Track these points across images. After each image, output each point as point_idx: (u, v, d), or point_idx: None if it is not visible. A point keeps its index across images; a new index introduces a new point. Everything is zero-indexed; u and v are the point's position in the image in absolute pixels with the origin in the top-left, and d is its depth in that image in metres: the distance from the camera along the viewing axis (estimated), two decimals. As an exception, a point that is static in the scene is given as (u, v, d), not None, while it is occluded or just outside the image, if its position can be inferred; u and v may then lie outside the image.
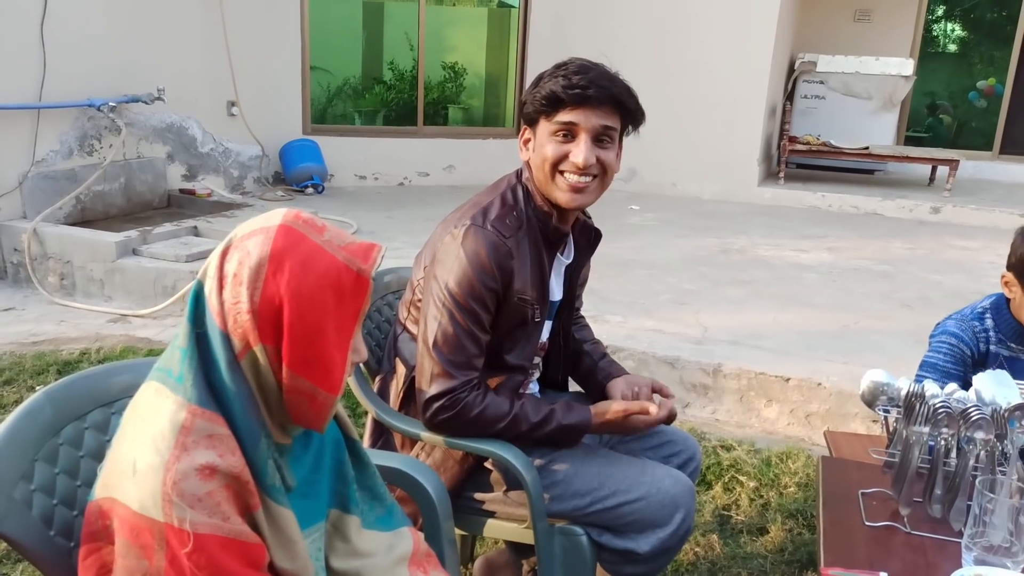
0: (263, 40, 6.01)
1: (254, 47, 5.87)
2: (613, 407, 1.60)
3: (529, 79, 7.76)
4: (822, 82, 7.95)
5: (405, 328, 1.65)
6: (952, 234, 5.96)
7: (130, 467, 0.92)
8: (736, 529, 2.36)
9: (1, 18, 4.09)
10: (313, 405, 0.99)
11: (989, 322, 1.83)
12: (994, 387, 1.49)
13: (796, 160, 7.78)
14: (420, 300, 1.57)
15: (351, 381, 1.66)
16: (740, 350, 3.26)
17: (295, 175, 6.18)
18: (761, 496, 2.51)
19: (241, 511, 0.95)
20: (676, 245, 5.16)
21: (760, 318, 3.70)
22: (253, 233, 0.98)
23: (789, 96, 8.01)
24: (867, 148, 7.21)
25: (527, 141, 1.57)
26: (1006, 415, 1.38)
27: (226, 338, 0.96)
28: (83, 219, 4.61)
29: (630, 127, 1.55)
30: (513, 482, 1.57)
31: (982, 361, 1.81)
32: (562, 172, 1.51)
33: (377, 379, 1.73)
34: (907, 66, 7.70)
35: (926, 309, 3.95)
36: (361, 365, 1.76)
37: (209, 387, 0.96)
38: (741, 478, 2.59)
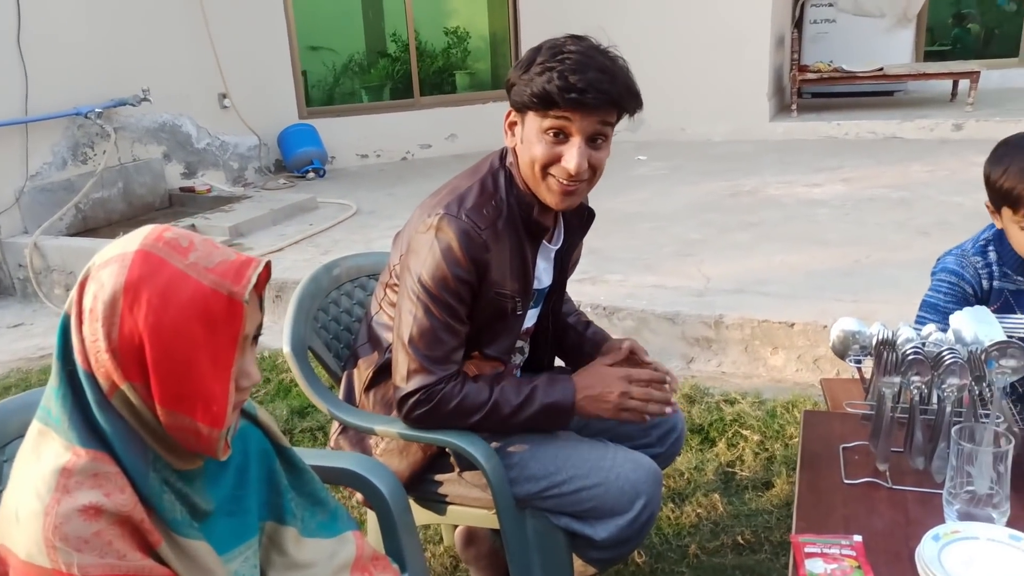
0: (247, 27, 5.92)
1: (239, 35, 5.79)
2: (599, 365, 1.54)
3: (523, 32, 7.60)
4: (831, 4, 7.60)
5: (381, 308, 1.59)
6: (975, 151, 5.62)
7: (14, 514, 0.89)
8: (740, 486, 2.29)
9: (-23, 36, 4.09)
10: (200, 440, 0.93)
11: (992, 255, 1.67)
12: (975, 325, 1.38)
13: (809, 90, 7.49)
14: (397, 285, 1.50)
15: (298, 377, 1.62)
16: (744, 298, 3.15)
17: (295, 161, 6.14)
18: (766, 449, 2.43)
19: (141, 548, 0.90)
20: (683, 193, 5.01)
21: (766, 262, 3.57)
22: (109, 262, 0.90)
23: (797, 23, 7.67)
24: (881, 69, 6.90)
25: (513, 125, 1.45)
26: (983, 356, 1.28)
27: (91, 377, 0.90)
28: (86, 227, 4.64)
29: (627, 115, 1.42)
30: (467, 463, 1.52)
31: (985, 298, 1.68)
32: (552, 175, 1.39)
33: (349, 361, 1.68)
34: (921, -23, 7.31)
35: (944, 235, 3.76)
36: (326, 352, 1.71)
37: (89, 425, 0.90)
38: (745, 432, 2.50)
